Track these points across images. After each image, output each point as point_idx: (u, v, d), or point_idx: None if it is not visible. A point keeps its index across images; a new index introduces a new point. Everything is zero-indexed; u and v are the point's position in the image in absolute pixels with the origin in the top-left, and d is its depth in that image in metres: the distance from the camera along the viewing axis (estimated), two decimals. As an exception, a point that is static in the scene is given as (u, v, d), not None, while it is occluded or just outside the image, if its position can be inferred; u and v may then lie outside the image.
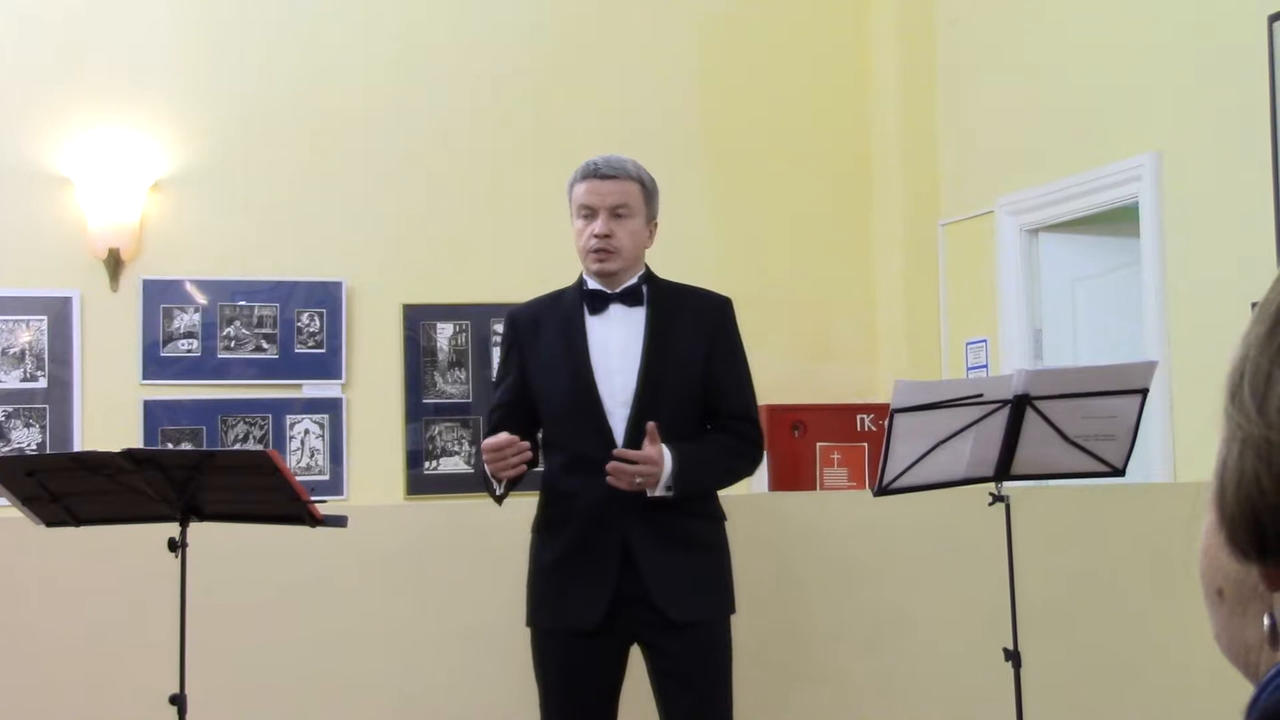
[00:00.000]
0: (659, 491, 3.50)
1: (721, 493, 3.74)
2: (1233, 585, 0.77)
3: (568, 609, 3.58)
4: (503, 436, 3.47)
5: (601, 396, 3.59)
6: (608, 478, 3.46)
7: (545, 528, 3.67)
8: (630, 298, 3.67)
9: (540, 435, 3.72)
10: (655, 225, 3.75)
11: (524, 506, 4.00)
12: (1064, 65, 5.88)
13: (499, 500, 3.63)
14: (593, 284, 3.68)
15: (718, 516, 3.70)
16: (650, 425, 3.47)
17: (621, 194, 3.64)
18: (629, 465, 3.46)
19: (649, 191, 3.71)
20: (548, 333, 3.68)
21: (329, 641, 4.24)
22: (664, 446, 3.48)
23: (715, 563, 3.65)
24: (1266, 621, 0.75)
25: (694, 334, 3.67)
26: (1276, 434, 0.66)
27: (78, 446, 5.98)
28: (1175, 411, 5.19)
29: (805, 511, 4.63)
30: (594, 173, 3.66)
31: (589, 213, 3.64)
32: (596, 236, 3.61)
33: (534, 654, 3.67)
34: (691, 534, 3.61)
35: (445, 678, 4.28)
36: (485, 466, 3.55)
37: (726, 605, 3.66)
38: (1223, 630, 0.82)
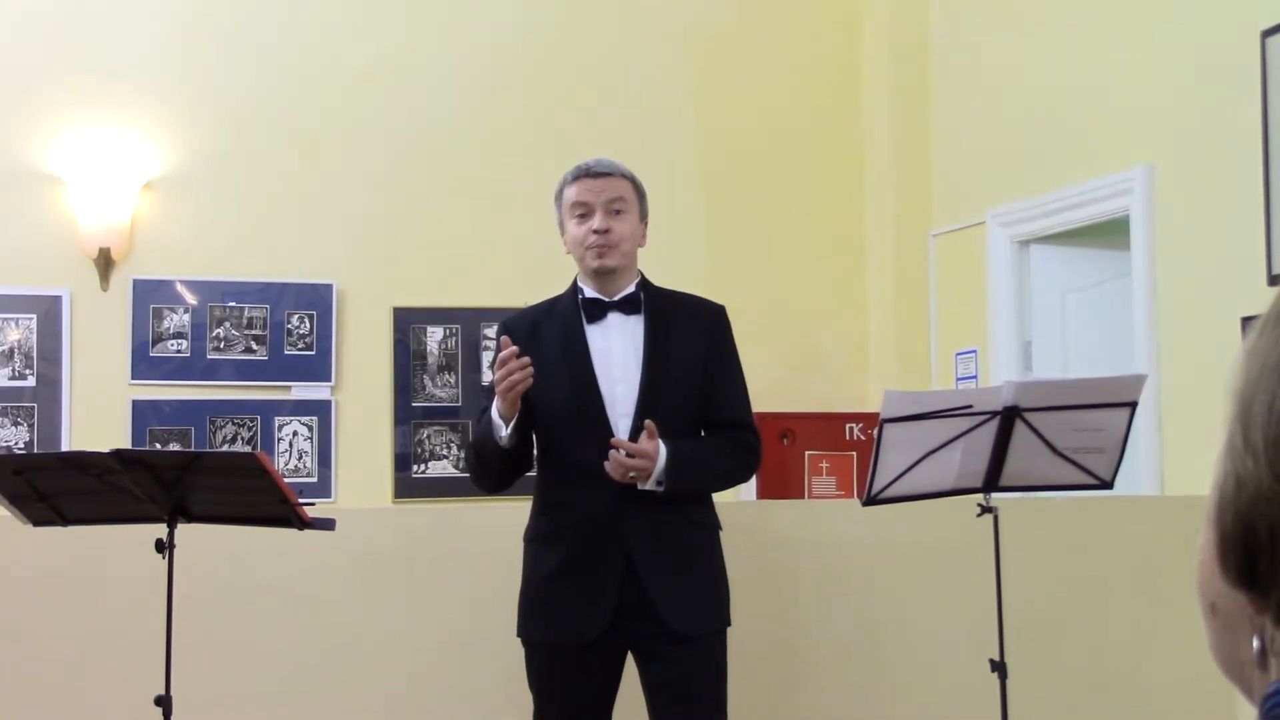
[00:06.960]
0: (649, 485, 3.47)
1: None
2: (1225, 601, 0.77)
3: (567, 621, 3.53)
4: (507, 352, 3.40)
5: (605, 406, 3.56)
6: (605, 464, 3.43)
7: (542, 538, 3.61)
8: (628, 306, 3.63)
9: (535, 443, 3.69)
10: (646, 226, 3.73)
11: (510, 513, 3.99)
12: (1057, 78, 5.89)
13: (503, 449, 3.50)
14: (589, 292, 3.64)
15: (715, 526, 3.66)
16: (649, 422, 3.44)
17: (616, 190, 3.62)
18: (626, 459, 3.44)
19: (639, 191, 3.70)
20: (546, 340, 3.62)
21: (315, 644, 4.23)
22: (660, 442, 3.46)
23: (714, 575, 3.63)
24: (1255, 644, 0.75)
25: (692, 342, 3.63)
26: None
27: (66, 445, 5.97)
28: (1164, 425, 5.19)
29: (793, 520, 4.63)
30: (586, 172, 3.64)
31: (585, 210, 3.60)
32: (596, 232, 3.57)
33: (529, 667, 3.61)
34: (691, 545, 3.58)
35: (431, 682, 4.28)
36: (493, 408, 3.49)
37: (725, 617, 3.63)
38: (1216, 644, 0.82)
